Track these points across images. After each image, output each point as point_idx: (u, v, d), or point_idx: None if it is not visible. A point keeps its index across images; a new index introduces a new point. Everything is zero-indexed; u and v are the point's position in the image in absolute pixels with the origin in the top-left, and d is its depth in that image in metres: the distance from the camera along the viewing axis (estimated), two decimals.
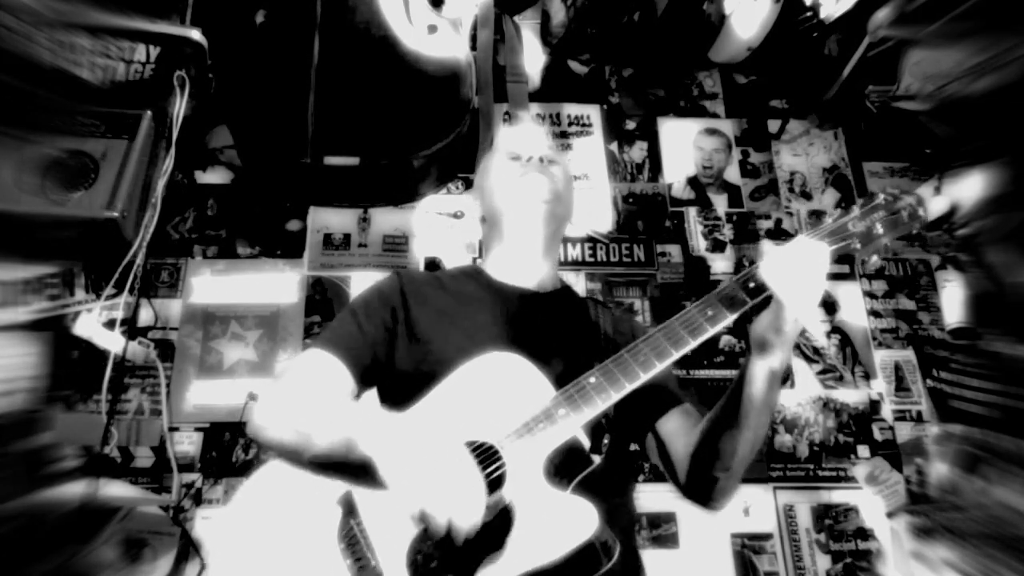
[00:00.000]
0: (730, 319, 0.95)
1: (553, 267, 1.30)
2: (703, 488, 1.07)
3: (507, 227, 1.26)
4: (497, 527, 0.90)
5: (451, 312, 1.17)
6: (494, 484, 0.91)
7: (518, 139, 1.34)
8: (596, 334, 1.22)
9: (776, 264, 0.89)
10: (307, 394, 1.04)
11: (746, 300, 0.94)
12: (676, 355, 0.95)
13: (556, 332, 1.18)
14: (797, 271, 0.88)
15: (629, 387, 0.94)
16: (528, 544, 0.89)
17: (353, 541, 0.93)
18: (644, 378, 0.95)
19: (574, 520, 0.89)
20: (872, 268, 1.00)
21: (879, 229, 0.96)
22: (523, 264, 1.25)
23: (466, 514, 0.82)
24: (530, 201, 1.23)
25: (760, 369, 0.92)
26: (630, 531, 1.13)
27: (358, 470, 0.90)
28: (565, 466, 0.93)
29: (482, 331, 1.12)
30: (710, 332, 0.95)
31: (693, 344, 0.95)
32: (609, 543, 0.90)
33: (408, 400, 1.02)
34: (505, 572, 0.88)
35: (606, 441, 0.97)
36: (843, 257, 0.97)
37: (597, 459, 0.93)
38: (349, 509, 0.96)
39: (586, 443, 0.94)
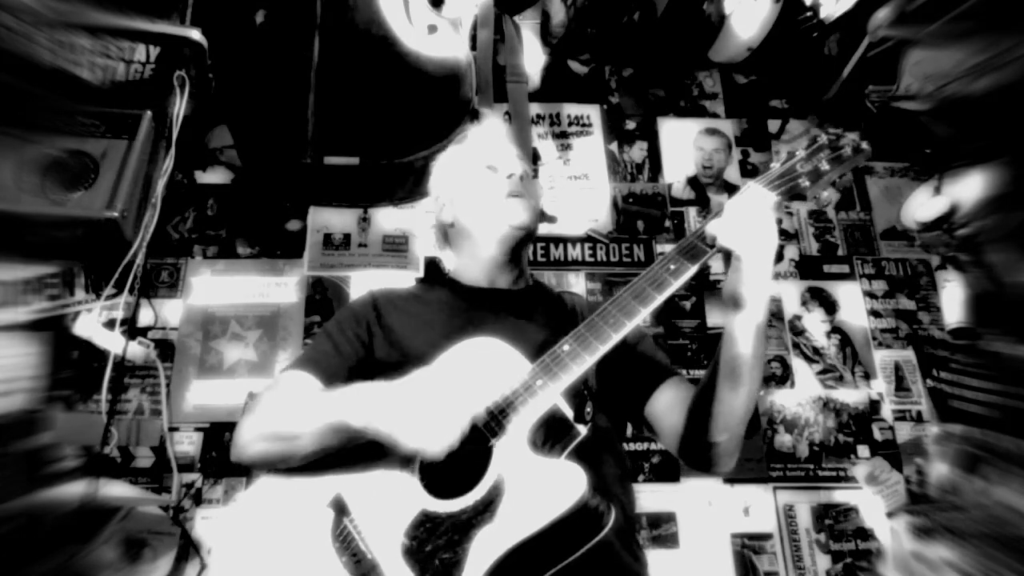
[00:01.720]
0: (693, 270, 0.96)
1: (525, 268, 1.31)
2: (705, 454, 1.06)
3: (481, 241, 1.26)
4: (488, 502, 0.91)
5: (426, 318, 1.19)
6: (483, 458, 0.92)
7: (494, 150, 1.31)
8: (573, 315, 1.24)
9: (723, 220, 0.91)
10: (280, 405, 1.05)
11: (706, 250, 0.96)
12: (644, 311, 0.95)
13: (531, 318, 1.19)
14: (744, 223, 0.90)
15: (603, 348, 0.95)
16: (518, 515, 0.89)
17: (347, 539, 0.95)
18: (616, 338, 0.95)
19: (563, 485, 0.89)
20: (826, 203, 1.04)
21: (825, 166, 0.99)
22: (495, 271, 1.26)
23: (466, 410, 0.87)
24: (512, 228, 1.22)
25: (741, 324, 0.93)
26: (628, 504, 1.12)
27: (356, 441, 0.92)
28: (550, 436, 0.94)
29: (458, 328, 1.13)
30: (675, 285, 0.96)
31: (660, 298, 0.96)
32: (601, 509, 0.90)
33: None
34: (498, 545, 0.88)
35: (588, 409, 0.97)
36: (795, 197, 1.00)
37: (583, 428, 0.93)
38: (341, 509, 0.97)
39: (568, 412, 0.94)
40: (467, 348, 1.01)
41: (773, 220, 0.91)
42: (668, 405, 1.13)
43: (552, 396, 0.93)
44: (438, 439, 0.86)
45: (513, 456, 0.92)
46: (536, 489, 0.90)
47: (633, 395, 1.17)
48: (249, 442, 1.03)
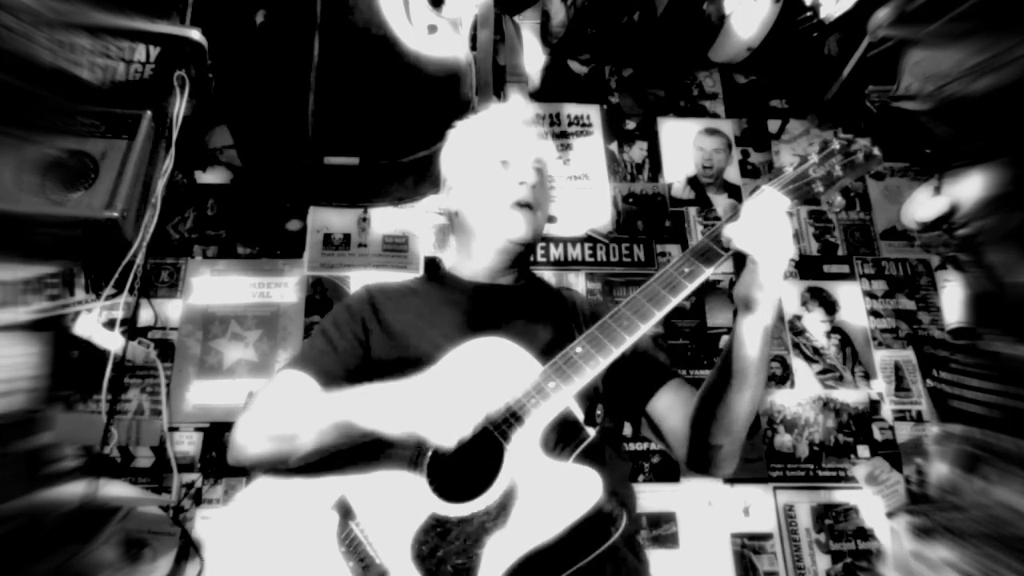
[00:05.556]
0: (707, 272, 0.95)
1: (525, 265, 1.29)
2: (706, 456, 1.06)
3: (481, 243, 1.24)
4: (501, 506, 0.90)
5: (423, 314, 1.17)
6: (493, 461, 0.91)
7: (511, 144, 1.25)
8: (574, 312, 1.22)
9: (740, 223, 0.90)
10: (278, 405, 1.04)
11: (720, 252, 0.95)
12: (659, 314, 0.95)
13: (534, 316, 1.17)
14: (760, 226, 0.89)
15: (616, 351, 0.94)
16: (533, 519, 0.88)
17: (354, 543, 0.93)
18: (630, 341, 0.94)
19: (578, 489, 0.88)
20: (838, 207, 1.02)
21: (839, 171, 0.99)
22: (493, 269, 1.24)
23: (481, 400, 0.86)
24: (511, 243, 1.20)
25: (750, 326, 0.93)
26: (631, 505, 1.13)
27: (357, 441, 0.91)
28: (562, 438, 0.93)
29: (456, 327, 1.11)
30: (689, 288, 0.95)
31: (673, 301, 0.95)
32: (615, 513, 0.90)
33: None
34: (512, 551, 0.87)
35: (599, 412, 0.97)
36: (809, 201, 1.00)
37: (592, 431, 0.92)
38: (346, 512, 0.96)
39: (580, 414, 0.93)
40: (474, 348, 0.99)
41: (788, 224, 0.91)
42: (668, 406, 1.13)
43: (565, 399, 0.92)
44: (451, 429, 0.84)
45: (525, 459, 0.91)
46: (550, 494, 0.89)
47: (635, 395, 1.16)
48: (246, 444, 1.02)
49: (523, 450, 0.92)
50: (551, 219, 2.48)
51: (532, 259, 2.41)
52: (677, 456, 1.13)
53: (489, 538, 0.88)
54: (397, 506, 0.94)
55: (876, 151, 1.01)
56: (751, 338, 0.93)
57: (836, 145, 1.02)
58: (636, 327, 0.94)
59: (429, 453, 0.96)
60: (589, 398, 0.97)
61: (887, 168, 2.69)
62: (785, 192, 0.96)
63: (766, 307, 0.92)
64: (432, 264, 2.39)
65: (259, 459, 1.01)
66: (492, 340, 1.00)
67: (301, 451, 0.96)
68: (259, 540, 0.97)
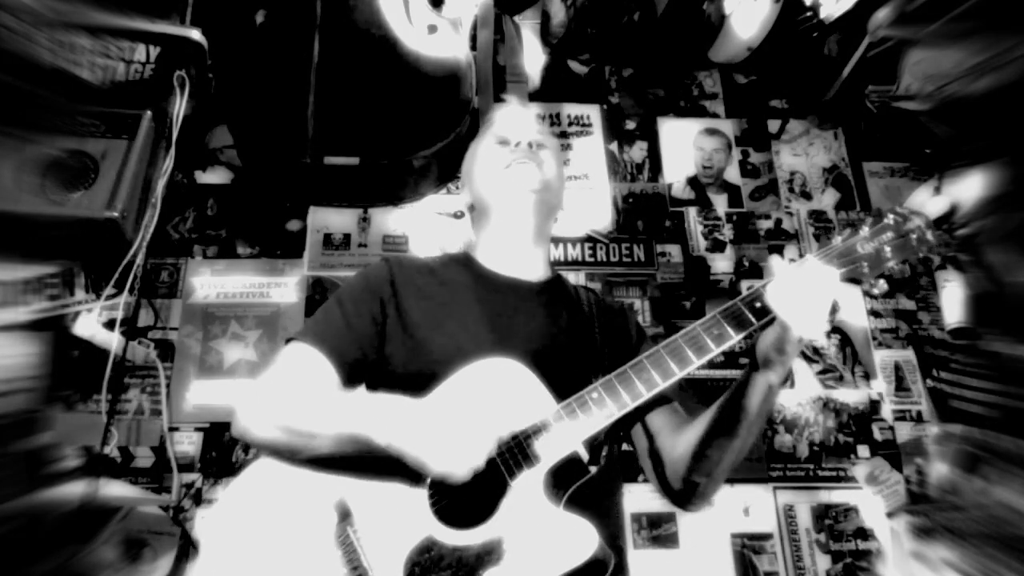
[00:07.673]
0: (736, 339, 0.94)
1: (544, 255, 1.27)
2: (684, 491, 1.08)
3: (495, 216, 1.23)
4: (496, 542, 0.90)
5: (443, 304, 1.15)
6: (495, 493, 0.91)
7: (506, 122, 1.29)
8: (591, 331, 1.20)
9: (783, 288, 0.88)
10: (294, 391, 1.02)
11: (752, 321, 0.94)
12: (680, 374, 0.95)
13: (550, 330, 1.16)
14: (804, 296, 0.87)
15: (631, 404, 0.95)
16: (526, 562, 0.89)
17: (349, 548, 0.93)
18: (647, 396, 0.95)
19: (574, 540, 0.89)
20: (880, 292, 0.99)
21: (887, 252, 0.95)
22: (513, 253, 1.22)
23: (482, 445, 0.86)
24: (519, 192, 1.20)
25: (760, 383, 0.93)
26: (620, 532, 1.14)
27: (374, 453, 0.90)
28: (563, 478, 0.94)
29: (476, 327, 1.10)
30: (715, 351, 0.94)
31: (696, 363, 0.95)
32: (606, 558, 0.91)
33: None
34: None
35: (604, 452, 0.98)
36: (852, 281, 0.97)
37: (593, 469, 0.94)
38: (344, 515, 0.95)
39: (584, 456, 0.95)
40: (487, 370, 0.99)
41: (829, 298, 0.88)
42: (659, 430, 1.13)
43: (574, 444, 0.94)
44: (463, 463, 0.85)
45: (525, 498, 0.92)
46: (545, 540, 0.90)
47: (631, 413, 1.15)
48: (259, 425, 1.00)
49: (524, 488, 0.92)
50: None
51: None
52: (654, 481, 1.13)
53: (482, 573, 0.89)
54: (395, 519, 0.93)
55: (930, 236, 0.96)
56: (756, 393, 0.93)
57: (890, 220, 0.97)
58: (655, 383, 0.95)
59: None
60: (595, 439, 0.98)
61: (887, 168, 2.69)
62: (831, 266, 0.93)
63: (780, 370, 0.91)
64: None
65: (267, 444, 1.00)
66: (505, 363, 0.99)
67: (316, 452, 0.95)
68: (256, 527, 0.96)
